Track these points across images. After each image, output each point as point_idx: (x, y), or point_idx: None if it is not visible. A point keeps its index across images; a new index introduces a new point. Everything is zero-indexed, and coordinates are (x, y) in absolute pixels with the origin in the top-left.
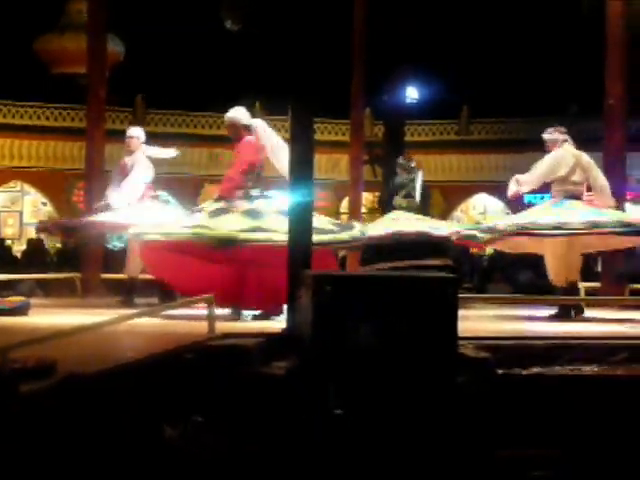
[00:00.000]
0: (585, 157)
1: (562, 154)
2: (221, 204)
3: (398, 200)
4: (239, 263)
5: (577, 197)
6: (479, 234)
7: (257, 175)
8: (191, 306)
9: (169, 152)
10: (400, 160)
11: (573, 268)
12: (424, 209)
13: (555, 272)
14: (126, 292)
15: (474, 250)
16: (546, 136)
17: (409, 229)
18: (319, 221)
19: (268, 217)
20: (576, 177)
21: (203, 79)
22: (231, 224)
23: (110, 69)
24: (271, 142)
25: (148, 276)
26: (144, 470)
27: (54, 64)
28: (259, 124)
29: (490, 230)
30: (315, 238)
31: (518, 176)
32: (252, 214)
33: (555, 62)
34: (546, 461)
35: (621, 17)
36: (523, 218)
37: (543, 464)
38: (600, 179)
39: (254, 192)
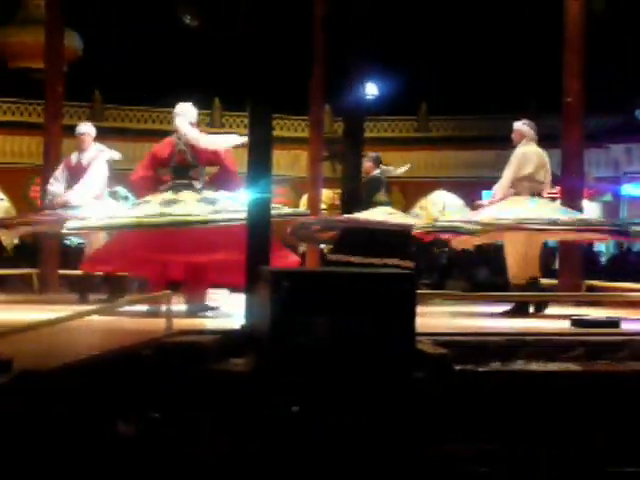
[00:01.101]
0: (545, 156)
1: (528, 151)
2: (169, 195)
3: (380, 196)
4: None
5: (540, 195)
6: (465, 225)
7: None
8: (149, 302)
9: (114, 154)
10: (372, 154)
11: (534, 263)
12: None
13: (516, 270)
14: (81, 289)
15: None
16: (519, 125)
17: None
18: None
19: (222, 202)
20: (540, 176)
21: (161, 74)
22: (190, 210)
23: (68, 64)
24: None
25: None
26: (98, 466)
27: (12, 58)
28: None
29: (478, 223)
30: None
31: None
32: (206, 201)
33: (514, 59)
34: (494, 457)
35: (579, 15)
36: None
37: (490, 460)
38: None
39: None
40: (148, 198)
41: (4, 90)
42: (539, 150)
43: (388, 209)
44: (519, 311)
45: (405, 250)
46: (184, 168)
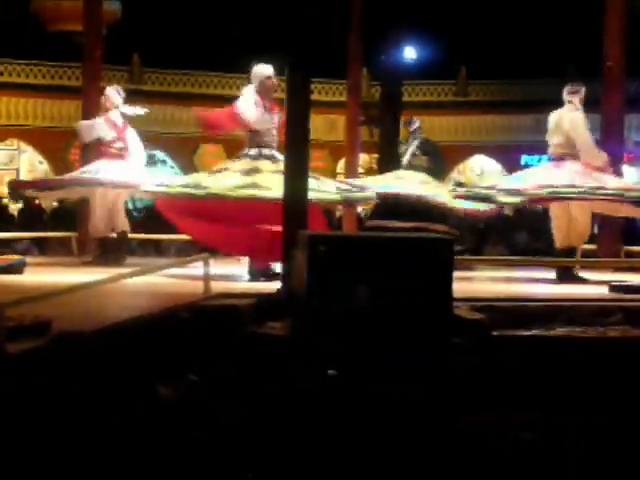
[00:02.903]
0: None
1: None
2: (248, 163)
3: (417, 159)
4: (239, 220)
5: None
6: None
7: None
8: (188, 265)
9: (138, 110)
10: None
11: (582, 230)
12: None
13: (558, 235)
14: (111, 251)
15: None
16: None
17: (410, 192)
18: (325, 184)
19: (265, 175)
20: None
21: (200, 38)
22: (226, 181)
23: (107, 27)
24: None
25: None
26: (138, 428)
27: (50, 22)
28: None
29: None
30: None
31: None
32: (250, 172)
33: (553, 23)
34: (535, 423)
35: None
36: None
37: (531, 426)
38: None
39: (252, 152)
40: (227, 165)
41: (43, 54)
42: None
43: (421, 177)
44: (565, 275)
45: (443, 215)
46: (258, 134)
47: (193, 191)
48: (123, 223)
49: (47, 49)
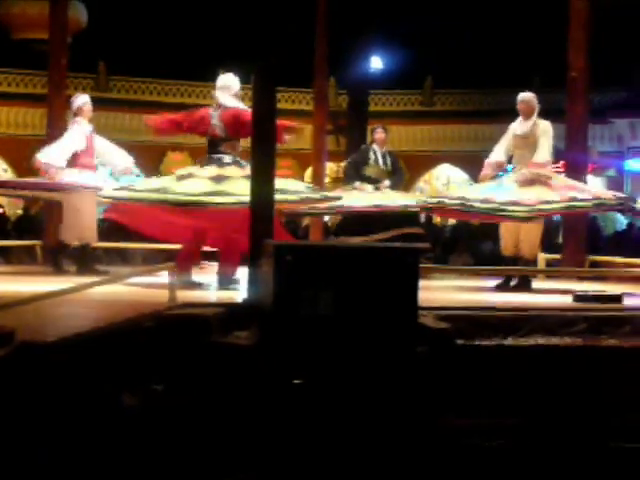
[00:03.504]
0: None
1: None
2: (215, 170)
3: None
4: (203, 225)
5: None
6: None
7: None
8: (153, 274)
9: None
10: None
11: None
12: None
13: (503, 243)
14: (81, 260)
15: (437, 220)
16: (531, 96)
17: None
18: (292, 184)
19: (233, 182)
20: None
21: (166, 46)
22: (195, 187)
23: (72, 35)
24: None
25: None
26: (102, 438)
27: (15, 29)
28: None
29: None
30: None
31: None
32: (218, 179)
33: (518, 33)
34: (502, 430)
35: None
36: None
37: (500, 433)
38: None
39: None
40: (192, 171)
41: (8, 61)
42: None
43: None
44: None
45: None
46: (218, 141)
47: (159, 196)
48: (89, 234)
49: (12, 57)
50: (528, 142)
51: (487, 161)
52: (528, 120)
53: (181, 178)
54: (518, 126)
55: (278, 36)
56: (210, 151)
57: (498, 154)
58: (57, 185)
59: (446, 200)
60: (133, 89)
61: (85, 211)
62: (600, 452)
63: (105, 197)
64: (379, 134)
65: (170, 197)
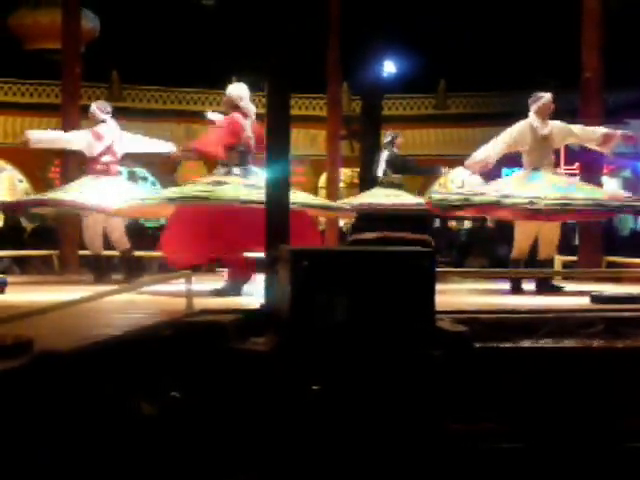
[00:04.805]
0: None
1: None
2: (220, 177)
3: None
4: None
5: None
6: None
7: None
8: (170, 282)
9: None
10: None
11: (551, 243)
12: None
13: (518, 246)
14: (95, 269)
15: (452, 224)
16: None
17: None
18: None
19: (229, 186)
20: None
21: (179, 54)
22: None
23: (85, 45)
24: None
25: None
26: (121, 446)
27: (28, 40)
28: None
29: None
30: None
31: None
32: (250, 187)
33: (532, 35)
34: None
35: None
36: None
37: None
38: None
39: (237, 170)
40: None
41: (21, 72)
42: None
43: (393, 191)
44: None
45: (424, 228)
46: (248, 153)
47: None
48: (120, 242)
49: (25, 67)
50: (548, 142)
51: (482, 157)
52: (545, 120)
53: (217, 184)
54: (540, 126)
55: (291, 42)
56: (240, 163)
57: (498, 153)
58: (72, 204)
59: (546, 201)
60: (147, 98)
61: (110, 221)
62: (617, 454)
63: (121, 210)
64: (400, 139)
65: (229, 194)
